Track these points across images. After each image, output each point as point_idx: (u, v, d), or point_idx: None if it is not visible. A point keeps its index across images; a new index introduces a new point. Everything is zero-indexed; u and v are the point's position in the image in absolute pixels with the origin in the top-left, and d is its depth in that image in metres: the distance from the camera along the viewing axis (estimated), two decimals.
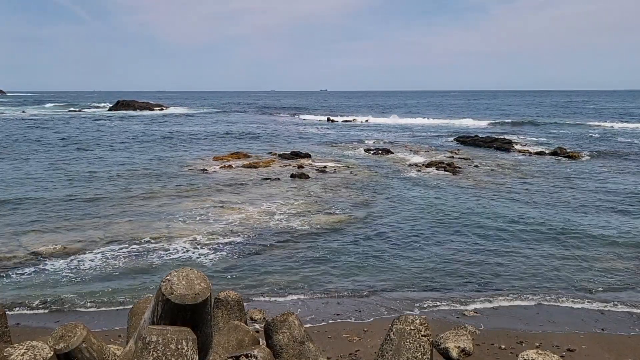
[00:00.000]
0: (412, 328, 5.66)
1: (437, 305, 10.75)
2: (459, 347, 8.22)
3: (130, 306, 6.30)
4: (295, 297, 11.15)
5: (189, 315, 4.31)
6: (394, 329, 5.74)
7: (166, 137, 45.39)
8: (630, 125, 58.43)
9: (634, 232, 15.70)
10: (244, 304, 7.31)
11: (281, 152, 33.49)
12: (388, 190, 22.33)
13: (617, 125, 58.61)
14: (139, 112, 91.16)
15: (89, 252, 13.76)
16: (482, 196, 21.01)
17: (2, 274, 12.15)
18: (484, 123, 64.90)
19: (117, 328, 9.47)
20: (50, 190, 21.71)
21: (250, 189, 22.16)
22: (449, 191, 22.00)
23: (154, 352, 3.92)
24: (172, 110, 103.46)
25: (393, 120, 72.15)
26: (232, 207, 18.85)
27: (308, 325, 9.62)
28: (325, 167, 28.55)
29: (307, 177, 25.25)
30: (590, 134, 47.95)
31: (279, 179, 24.80)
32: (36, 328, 9.53)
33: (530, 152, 35.63)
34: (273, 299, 11.04)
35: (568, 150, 34.83)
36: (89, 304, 10.69)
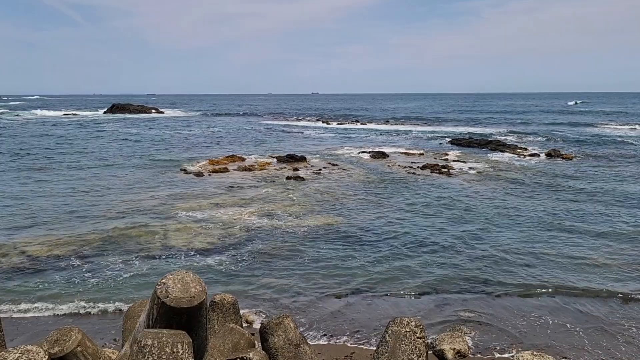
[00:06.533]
0: (408, 330, 5.68)
1: (433, 307, 10.77)
2: (455, 349, 8.24)
3: (126, 309, 6.29)
4: (290, 299, 11.13)
5: (185, 318, 4.32)
6: (389, 331, 5.75)
7: (161, 141, 45.34)
8: (625, 127, 58.82)
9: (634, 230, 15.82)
10: (240, 306, 7.31)
11: (277, 155, 33.48)
12: (383, 192, 22.37)
13: (612, 127, 58.97)
14: (134, 115, 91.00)
15: (84, 255, 13.71)
16: (477, 197, 21.07)
17: None
18: (479, 127, 65.09)
19: (113, 332, 9.44)
20: (47, 192, 21.61)
21: (246, 192, 22.14)
22: (443, 193, 22.04)
23: (150, 356, 3.92)
24: (168, 113, 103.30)
25: (387, 124, 72.24)
26: (228, 210, 18.83)
27: (303, 328, 9.63)
28: (320, 169, 28.57)
29: (303, 179, 25.25)
30: (585, 136, 48.19)
31: (274, 181, 24.80)
32: (31, 332, 9.48)
33: (524, 154, 35.77)
34: (269, 301, 11.04)
35: (562, 152, 35.02)
36: (83, 307, 10.65)
